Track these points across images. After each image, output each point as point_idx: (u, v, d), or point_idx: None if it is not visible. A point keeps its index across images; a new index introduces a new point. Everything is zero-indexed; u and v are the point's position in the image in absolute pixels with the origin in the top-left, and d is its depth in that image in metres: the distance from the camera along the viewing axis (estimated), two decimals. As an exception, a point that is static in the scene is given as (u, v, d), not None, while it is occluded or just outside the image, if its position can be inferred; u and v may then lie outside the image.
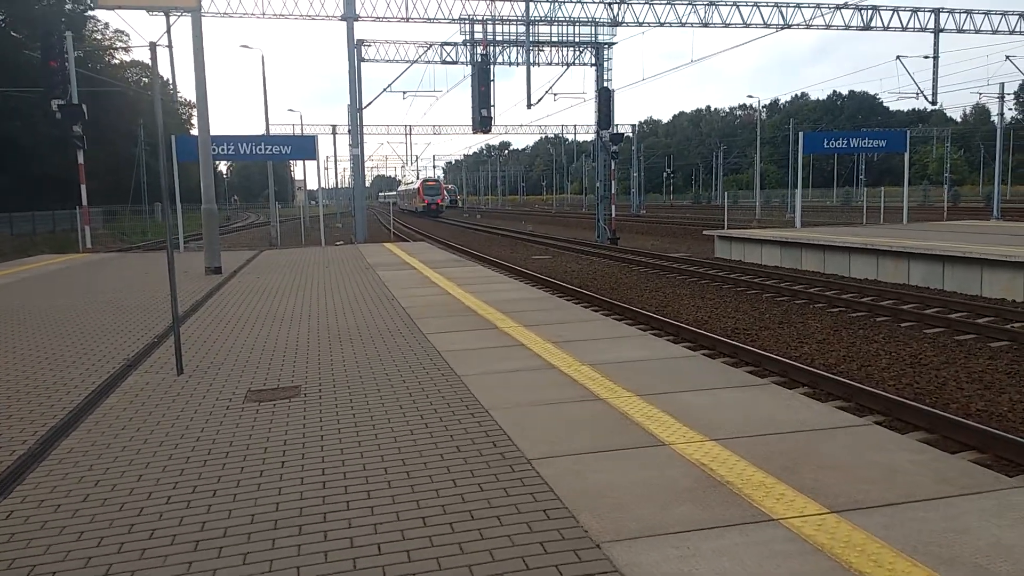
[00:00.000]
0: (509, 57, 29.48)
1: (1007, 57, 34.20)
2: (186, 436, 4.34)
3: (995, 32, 30.25)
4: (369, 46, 29.87)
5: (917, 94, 30.77)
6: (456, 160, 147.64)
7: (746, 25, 28.74)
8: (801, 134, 24.09)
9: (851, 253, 17.49)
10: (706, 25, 28.65)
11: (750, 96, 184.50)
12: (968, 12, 29.98)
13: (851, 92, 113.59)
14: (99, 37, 58.76)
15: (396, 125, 68.65)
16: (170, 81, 35.30)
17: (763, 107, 76.10)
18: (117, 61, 65.22)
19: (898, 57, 31.04)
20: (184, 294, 10.70)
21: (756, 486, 3.28)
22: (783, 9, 28.72)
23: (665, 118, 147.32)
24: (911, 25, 29.82)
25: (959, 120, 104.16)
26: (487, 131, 27.42)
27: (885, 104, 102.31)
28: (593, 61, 29.58)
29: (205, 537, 3.04)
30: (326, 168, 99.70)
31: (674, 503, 3.14)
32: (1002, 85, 40.11)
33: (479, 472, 3.60)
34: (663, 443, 3.85)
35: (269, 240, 32.51)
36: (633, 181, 68.62)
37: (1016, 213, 37.49)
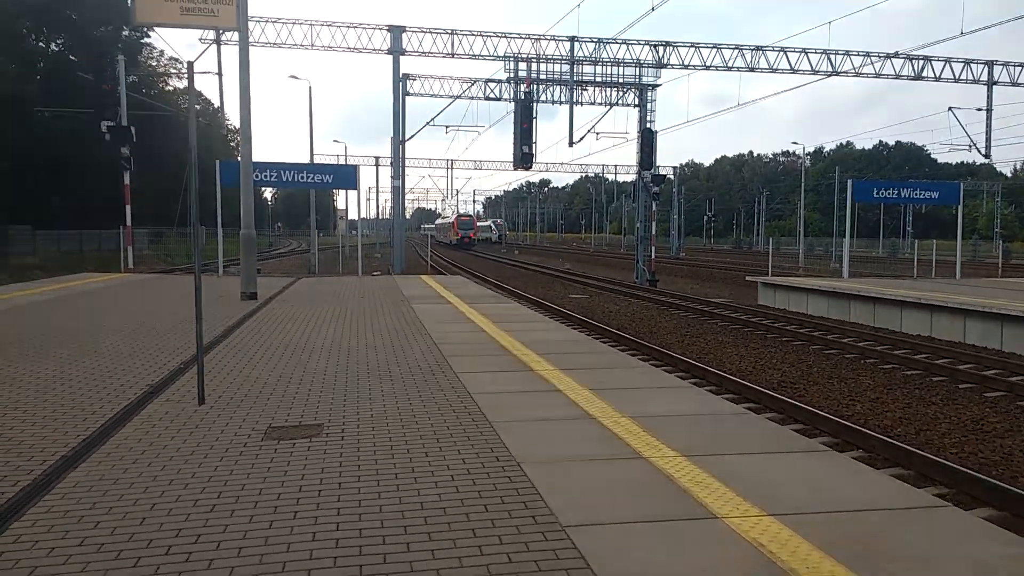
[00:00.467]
0: (552, 95, 29.50)
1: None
2: (197, 476, 4.06)
3: (1053, 86, 29.44)
4: (414, 80, 30.17)
5: (969, 146, 29.99)
6: (496, 196, 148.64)
7: (793, 71, 28.39)
8: (851, 182, 23.50)
9: (903, 307, 16.80)
10: (752, 70, 28.38)
11: (795, 143, 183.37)
12: (1022, 65, 29.28)
13: (898, 143, 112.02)
14: (154, 64, 60.57)
15: (438, 159, 69.52)
16: (218, 107, 36.02)
17: (807, 154, 75.04)
18: (171, 88, 67.13)
19: (950, 109, 30.42)
20: (217, 319, 10.58)
21: None
22: (832, 56, 28.34)
23: (707, 162, 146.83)
24: (963, 77, 29.18)
25: (1009, 175, 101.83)
26: (528, 167, 27.36)
27: (933, 156, 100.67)
28: (636, 102, 29.44)
29: (202, 599, 2.73)
30: (367, 199, 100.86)
31: (730, 591, 2.75)
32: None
33: (508, 538, 3.25)
34: (715, 516, 3.45)
35: (308, 268, 32.68)
36: (673, 223, 68.07)
37: (1074, 271, 36.10)
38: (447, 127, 35.77)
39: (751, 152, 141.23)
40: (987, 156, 28.88)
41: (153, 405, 5.68)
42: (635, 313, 20.13)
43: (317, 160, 42.98)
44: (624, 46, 28.26)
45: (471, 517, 3.45)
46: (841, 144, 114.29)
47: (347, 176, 23.03)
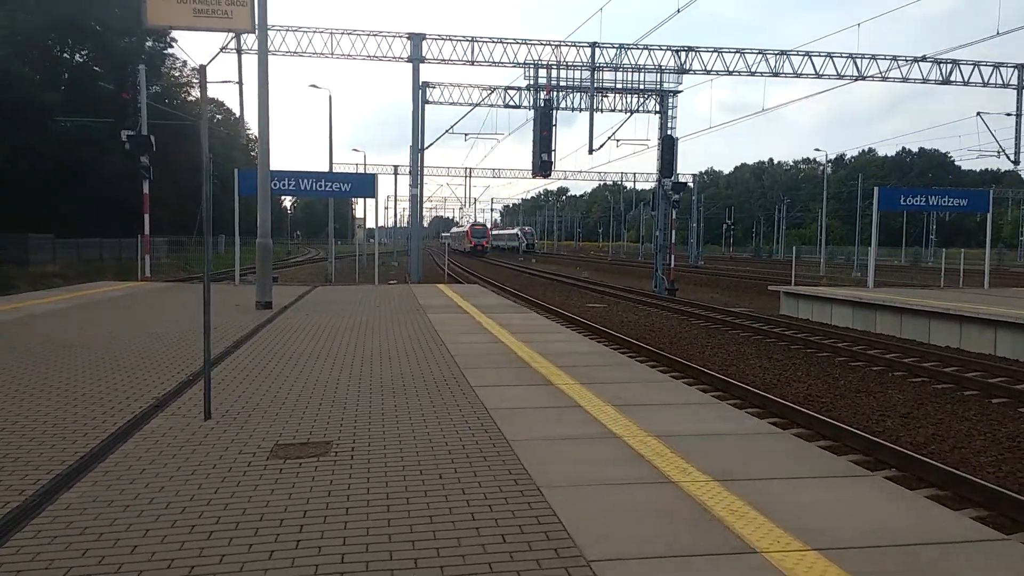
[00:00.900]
0: (572, 102, 29.32)
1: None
2: (196, 498, 3.83)
3: (1084, 91, 28.77)
4: (434, 88, 30.11)
5: (998, 152, 29.36)
6: (514, 204, 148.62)
7: (819, 76, 27.98)
8: (877, 189, 22.99)
9: (931, 318, 16.34)
10: (776, 75, 28.01)
11: (817, 150, 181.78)
12: (1055, 69, 28.65)
13: (921, 149, 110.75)
14: (176, 74, 61.10)
15: (456, 167, 69.25)
16: (238, 116, 36.13)
17: (828, 161, 74.29)
18: (192, 98, 67.76)
19: (978, 113, 29.83)
20: (230, 329, 10.41)
21: (879, 622, 2.57)
22: (858, 60, 27.90)
23: (726, 169, 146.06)
24: (992, 80, 28.61)
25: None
26: (547, 175, 27.13)
27: (957, 163, 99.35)
28: (657, 108, 29.15)
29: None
30: (386, 207, 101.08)
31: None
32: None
33: (528, 574, 2.97)
34: (753, 550, 3.16)
35: (325, 276, 32.62)
36: (692, 231, 67.50)
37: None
38: (466, 135, 35.68)
39: (771, 159, 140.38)
40: (1016, 162, 28.28)
41: (157, 420, 5.47)
42: (654, 323, 19.78)
43: (336, 169, 43.02)
44: (646, 52, 28.01)
45: (488, 549, 3.18)
46: (863, 151, 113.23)
47: (365, 184, 22.91)
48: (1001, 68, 28.51)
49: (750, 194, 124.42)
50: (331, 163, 36.76)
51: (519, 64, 27.93)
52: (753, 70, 27.74)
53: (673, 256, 29.85)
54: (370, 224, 38.60)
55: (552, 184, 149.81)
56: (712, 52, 27.84)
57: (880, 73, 27.96)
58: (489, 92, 30.70)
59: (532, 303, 23.11)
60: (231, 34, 23.43)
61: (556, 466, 4.33)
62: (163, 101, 47.54)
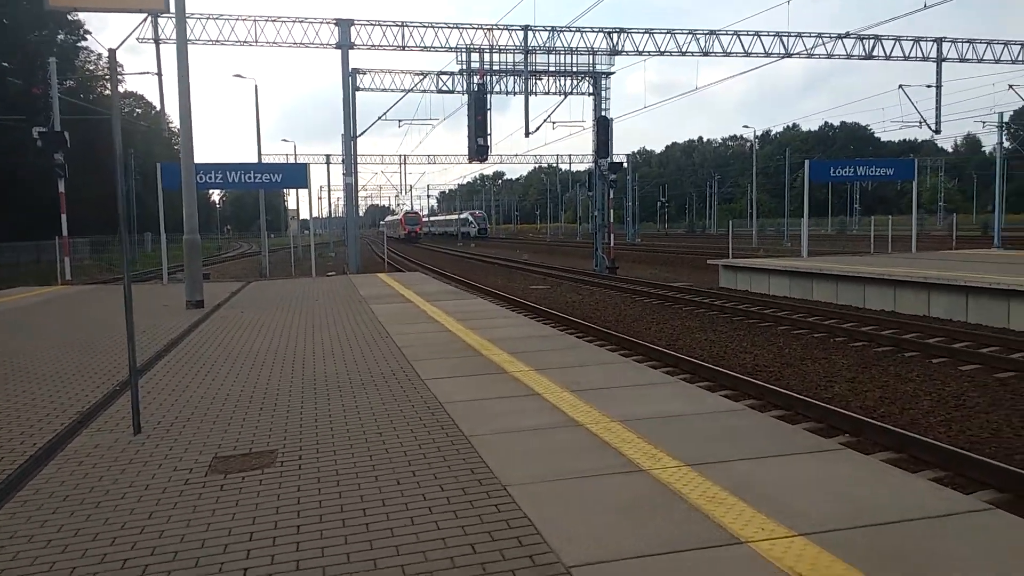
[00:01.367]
0: (506, 86, 28.97)
1: (1010, 86, 33.91)
2: (128, 526, 3.45)
3: (997, 61, 29.90)
4: (364, 75, 29.32)
5: (920, 123, 30.33)
6: (450, 190, 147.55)
7: (747, 54, 28.30)
8: (807, 162, 23.44)
9: (866, 284, 16.73)
10: (706, 54, 28.21)
11: (746, 126, 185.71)
12: (970, 42, 29.66)
13: (842, 123, 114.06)
14: (91, 68, 58.22)
15: (390, 155, 67.92)
16: (159, 109, 34.59)
17: (756, 137, 75.83)
18: (110, 92, 64.74)
19: (900, 86, 30.69)
20: (160, 331, 9.84)
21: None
22: (784, 39, 28.31)
23: (658, 149, 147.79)
24: (913, 54, 29.44)
25: (950, 150, 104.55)
26: (484, 160, 26.79)
27: (876, 135, 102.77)
28: (591, 90, 29.06)
29: None
30: (319, 197, 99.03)
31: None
32: (1001, 115, 39.93)
33: (503, 586, 2.73)
34: (738, 540, 2.98)
35: (259, 270, 31.63)
36: (628, 210, 68.11)
37: (1015, 241, 36.94)
38: (399, 121, 34.90)
39: (700, 138, 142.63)
40: (937, 131, 29.25)
41: (82, 437, 5.02)
42: (598, 302, 19.77)
43: (266, 160, 41.67)
44: (578, 34, 27.84)
45: (457, 562, 2.92)
46: (788, 127, 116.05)
47: (297, 175, 22.18)
48: (921, 42, 29.35)
49: (682, 172, 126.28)
50: (260, 154, 35.57)
51: (451, 49, 27.43)
52: (684, 50, 27.88)
53: (612, 235, 29.93)
54: (304, 215, 37.52)
55: (488, 168, 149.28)
56: (644, 33, 27.85)
57: (806, 50, 28.45)
58: (422, 78, 30.09)
59: (475, 288, 22.83)
60: (147, 20, 22.27)
61: (520, 461, 4.10)
62: (79, 96, 45.19)
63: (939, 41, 29.01)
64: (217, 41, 25.84)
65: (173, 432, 5.00)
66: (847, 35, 28.00)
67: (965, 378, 9.72)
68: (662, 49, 27.82)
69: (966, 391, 9.08)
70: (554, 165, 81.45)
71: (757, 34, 28.11)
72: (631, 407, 5.19)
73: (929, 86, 29.18)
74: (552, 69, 28.15)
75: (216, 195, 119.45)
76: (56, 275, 22.76)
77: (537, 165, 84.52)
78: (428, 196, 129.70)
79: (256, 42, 26.23)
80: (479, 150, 25.53)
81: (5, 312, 13.02)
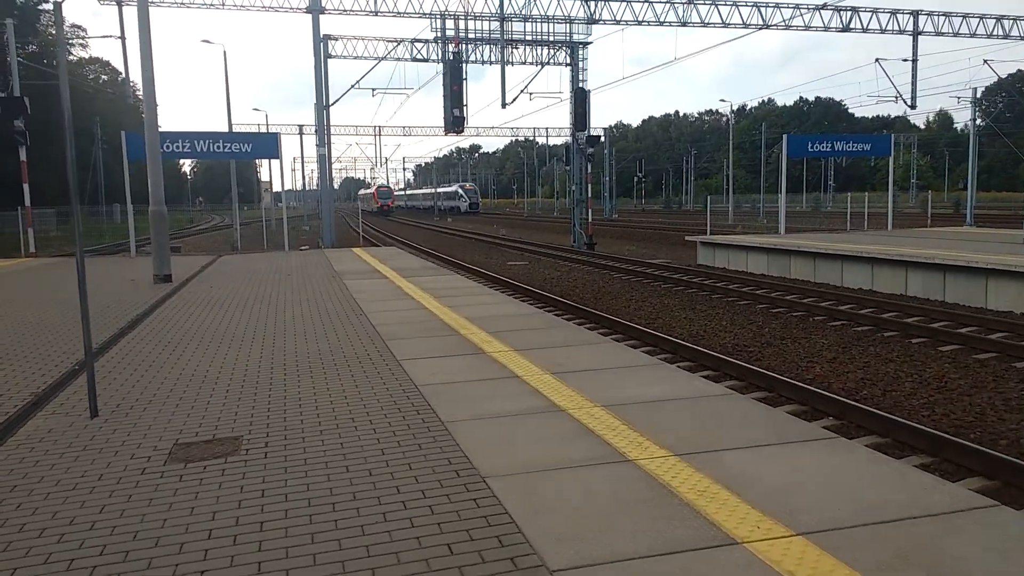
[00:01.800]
0: (482, 55, 28.38)
1: (985, 61, 34.00)
2: (78, 521, 3.19)
3: (973, 35, 29.93)
4: (336, 41, 28.56)
5: (896, 97, 30.32)
6: (426, 162, 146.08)
7: (725, 25, 28.01)
8: (785, 137, 23.33)
9: (844, 261, 16.71)
10: (684, 24, 27.85)
11: (722, 100, 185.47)
12: (946, 15, 29.63)
13: (817, 98, 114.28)
14: (54, 32, 56.35)
15: (365, 126, 66.95)
16: (124, 76, 33.55)
17: (732, 112, 75.71)
18: (75, 58, 62.75)
19: (877, 60, 30.62)
20: (124, 306, 9.48)
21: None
22: (762, 9, 28.06)
23: (635, 122, 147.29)
24: (890, 27, 29.36)
25: (922, 127, 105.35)
26: (460, 131, 26.34)
27: (850, 111, 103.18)
28: (568, 61, 28.63)
29: None
30: (292, 169, 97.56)
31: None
32: (975, 90, 40.11)
33: (483, 593, 2.53)
34: (734, 540, 2.80)
35: (231, 244, 31.00)
36: (605, 185, 67.84)
37: (987, 219, 37.35)
38: (373, 90, 34.08)
39: (677, 112, 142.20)
40: (913, 106, 29.28)
41: (35, 420, 4.73)
42: (577, 279, 19.59)
43: (236, 129, 40.72)
44: (555, 2, 27.33)
45: (432, 565, 2.71)
46: (763, 102, 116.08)
47: (268, 145, 21.61)
48: (898, 15, 29.27)
49: (658, 146, 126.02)
50: (230, 123, 34.77)
51: (425, 15, 26.78)
52: (662, 19, 27.51)
53: (591, 210, 29.70)
54: (277, 188, 36.71)
55: (464, 141, 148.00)
56: (622, 1, 27.43)
57: (784, 21, 28.23)
58: (395, 45, 29.39)
59: (452, 264, 22.54)
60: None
61: (500, 450, 3.89)
62: (41, 61, 43.75)
63: (915, 14, 28.94)
64: (182, 3, 25.00)
65: (132, 416, 4.73)
66: (824, 6, 27.80)
67: (946, 359, 9.68)
68: (640, 18, 27.43)
69: (947, 372, 9.03)
70: (531, 139, 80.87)
71: (735, 3, 27.82)
72: (614, 391, 5.00)
73: (905, 60, 29.16)
74: (529, 38, 27.66)
75: (187, 166, 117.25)
76: (20, 247, 22.05)
77: (514, 138, 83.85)
78: (404, 168, 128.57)
79: (223, 5, 25.43)
80: (455, 121, 25.06)
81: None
